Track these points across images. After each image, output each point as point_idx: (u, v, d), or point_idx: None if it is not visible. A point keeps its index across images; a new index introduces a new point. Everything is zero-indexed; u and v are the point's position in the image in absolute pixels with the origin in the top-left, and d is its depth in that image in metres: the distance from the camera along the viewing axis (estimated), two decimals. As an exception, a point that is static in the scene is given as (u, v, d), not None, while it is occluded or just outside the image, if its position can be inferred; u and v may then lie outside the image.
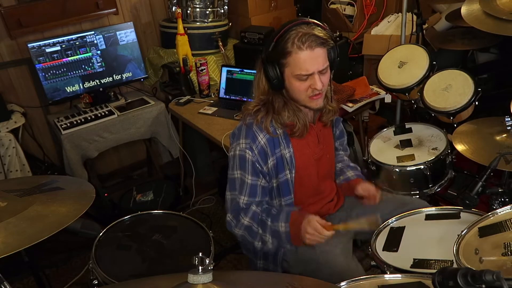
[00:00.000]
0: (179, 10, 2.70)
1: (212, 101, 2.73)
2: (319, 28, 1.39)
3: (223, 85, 2.71)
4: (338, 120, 1.81)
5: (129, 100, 2.97)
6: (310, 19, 1.40)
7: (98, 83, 2.89)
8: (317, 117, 1.60)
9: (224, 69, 2.70)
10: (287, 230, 1.46)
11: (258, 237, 1.51)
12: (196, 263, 0.93)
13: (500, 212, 1.20)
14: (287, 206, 1.58)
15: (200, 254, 0.93)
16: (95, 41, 2.80)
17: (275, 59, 1.41)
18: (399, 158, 2.06)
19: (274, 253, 1.60)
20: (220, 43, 2.95)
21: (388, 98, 2.65)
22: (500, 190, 1.67)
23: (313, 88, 1.42)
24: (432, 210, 1.57)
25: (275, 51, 1.40)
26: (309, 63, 1.38)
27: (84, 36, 2.76)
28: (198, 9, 2.89)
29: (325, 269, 1.45)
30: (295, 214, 1.48)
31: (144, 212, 1.83)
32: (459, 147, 1.83)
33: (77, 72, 2.79)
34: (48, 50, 2.65)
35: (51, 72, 2.69)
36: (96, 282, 1.52)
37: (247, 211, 1.52)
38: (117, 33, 2.86)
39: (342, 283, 1.22)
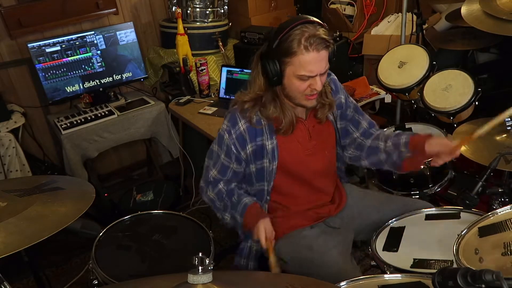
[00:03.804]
0: (179, 10, 2.70)
1: (212, 101, 2.73)
2: (322, 28, 1.38)
3: (223, 85, 2.71)
4: (344, 115, 1.70)
5: (129, 100, 2.97)
6: (313, 18, 1.39)
7: (98, 83, 2.89)
8: (309, 112, 1.59)
9: (224, 69, 2.70)
10: (241, 223, 1.57)
11: (219, 212, 1.63)
12: (196, 263, 0.93)
13: (500, 212, 1.19)
14: (257, 192, 1.63)
15: (200, 254, 0.93)
16: (95, 41, 2.80)
17: (276, 56, 1.40)
18: (399, 158, 2.06)
19: (249, 248, 1.67)
20: (220, 43, 2.95)
21: (388, 98, 2.65)
22: (500, 190, 1.66)
23: (313, 89, 1.43)
24: (432, 210, 1.57)
25: (278, 48, 1.39)
26: (314, 65, 1.38)
27: (84, 36, 2.76)
28: (198, 9, 2.89)
29: (322, 270, 1.45)
30: (250, 211, 1.54)
31: (144, 212, 1.83)
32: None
33: (77, 72, 2.79)
34: (48, 50, 2.65)
35: (51, 72, 2.69)
36: (96, 282, 1.52)
37: (214, 187, 1.61)
38: (117, 33, 2.86)
39: (342, 283, 1.22)
